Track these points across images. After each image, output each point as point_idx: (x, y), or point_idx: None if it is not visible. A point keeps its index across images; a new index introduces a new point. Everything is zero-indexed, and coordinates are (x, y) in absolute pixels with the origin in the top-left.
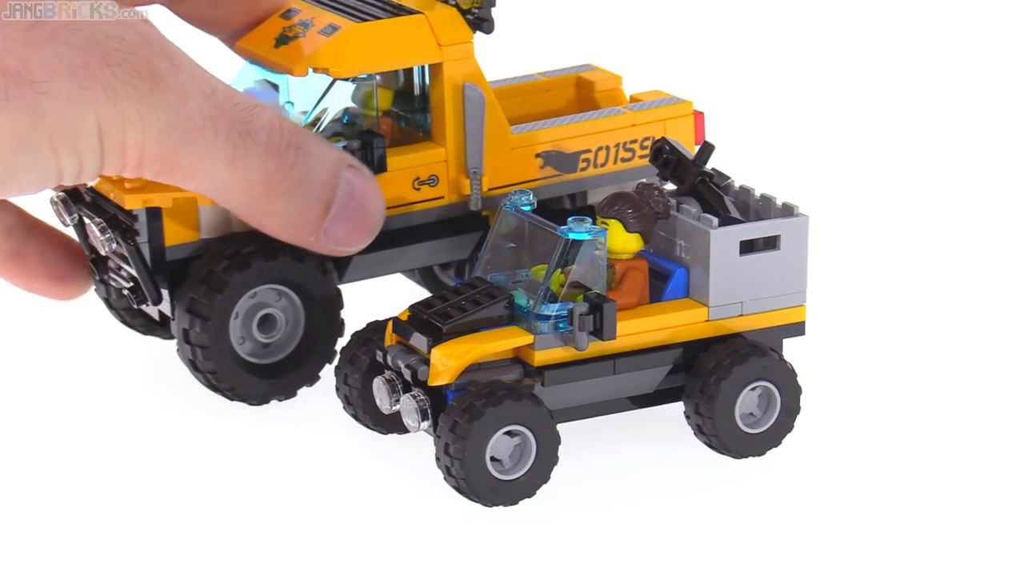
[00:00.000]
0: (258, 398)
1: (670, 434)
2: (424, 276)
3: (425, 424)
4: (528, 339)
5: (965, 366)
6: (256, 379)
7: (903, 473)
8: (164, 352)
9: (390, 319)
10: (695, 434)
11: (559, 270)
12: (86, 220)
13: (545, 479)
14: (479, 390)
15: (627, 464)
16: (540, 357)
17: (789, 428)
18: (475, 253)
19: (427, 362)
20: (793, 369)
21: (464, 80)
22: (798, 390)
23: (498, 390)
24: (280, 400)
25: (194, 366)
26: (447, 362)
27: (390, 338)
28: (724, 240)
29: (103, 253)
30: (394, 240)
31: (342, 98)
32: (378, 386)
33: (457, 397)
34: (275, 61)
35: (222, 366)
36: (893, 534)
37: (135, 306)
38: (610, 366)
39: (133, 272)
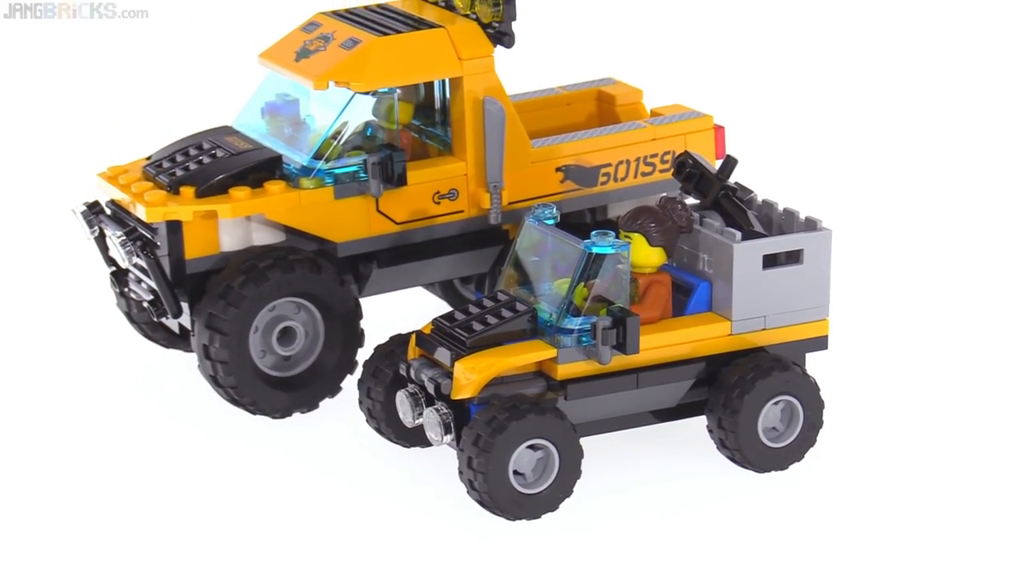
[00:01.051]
0: (280, 411)
1: (692, 448)
2: (445, 290)
3: (448, 438)
4: (551, 353)
5: (989, 380)
6: (277, 392)
7: (926, 488)
8: (186, 365)
9: (413, 332)
10: (718, 448)
11: (582, 284)
12: (107, 233)
13: (568, 493)
14: (502, 404)
15: (649, 478)
16: (563, 371)
17: (812, 442)
18: (495, 267)
19: (450, 375)
20: (816, 383)
21: (484, 94)
22: (821, 404)
23: (521, 404)
24: (302, 412)
25: (215, 381)
26: (470, 376)
27: (413, 351)
28: (747, 254)
29: (124, 266)
30: (415, 254)
31: (363, 112)
32: (401, 399)
33: (480, 411)
34: (296, 74)
35: (243, 380)
36: (915, 549)
37: (155, 319)
38: (633, 380)
39: (153, 285)
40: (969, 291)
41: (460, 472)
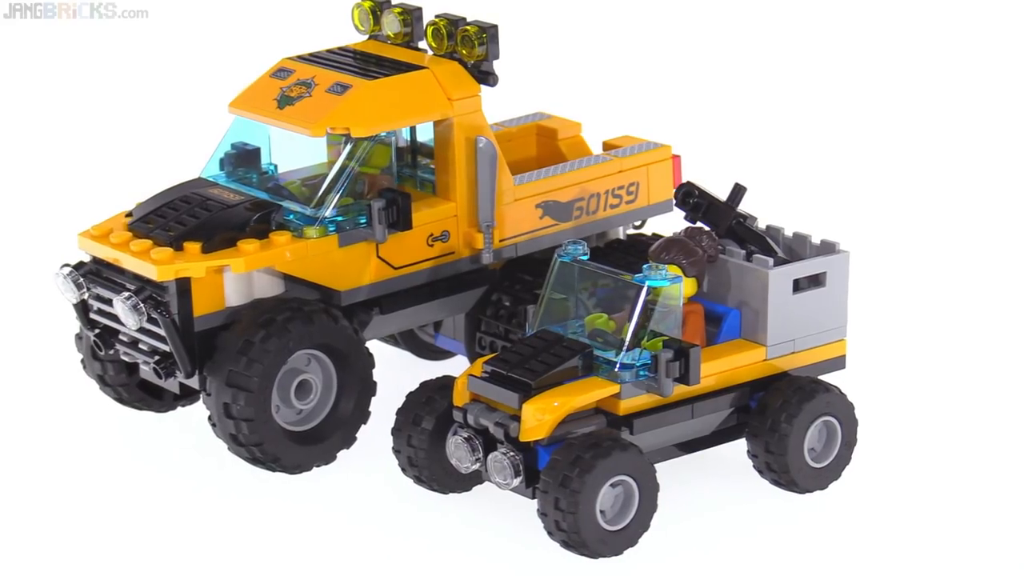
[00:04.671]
0: (300, 466)
1: (724, 472)
2: (404, 335)
3: (517, 481)
4: (614, 389)
5: (992, 388)
6: (297, 447)
7: (961, 499)
8: (171, 426)
9: (458, 377)
10: (761, 472)
11: (614, 318)
12: (91, 295)
13: (646, 527)
14: (583, 442)
15: (703, 505)
16: (625, 406)
17: (848, 460)
18: (475, 308)
19: (516, 418)
20: (852, 403)
21: (474, 133)
22: (856, 423)
23: (603, 441)
24: (319, 466)
25: (236, 440)
26: (542, 416)
27: (462, 396)
28: (780, 280)
29: (132, 328)
30: (413, 298)
31: (357, 157)
32: (456, 445)
33: (559, 450)
34: (284, 123)
35: (267, 438)
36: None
37: (162, 380)
38: (688, 410)
39: (157, 345)
40: (962, 302)
41: (543, 514)
